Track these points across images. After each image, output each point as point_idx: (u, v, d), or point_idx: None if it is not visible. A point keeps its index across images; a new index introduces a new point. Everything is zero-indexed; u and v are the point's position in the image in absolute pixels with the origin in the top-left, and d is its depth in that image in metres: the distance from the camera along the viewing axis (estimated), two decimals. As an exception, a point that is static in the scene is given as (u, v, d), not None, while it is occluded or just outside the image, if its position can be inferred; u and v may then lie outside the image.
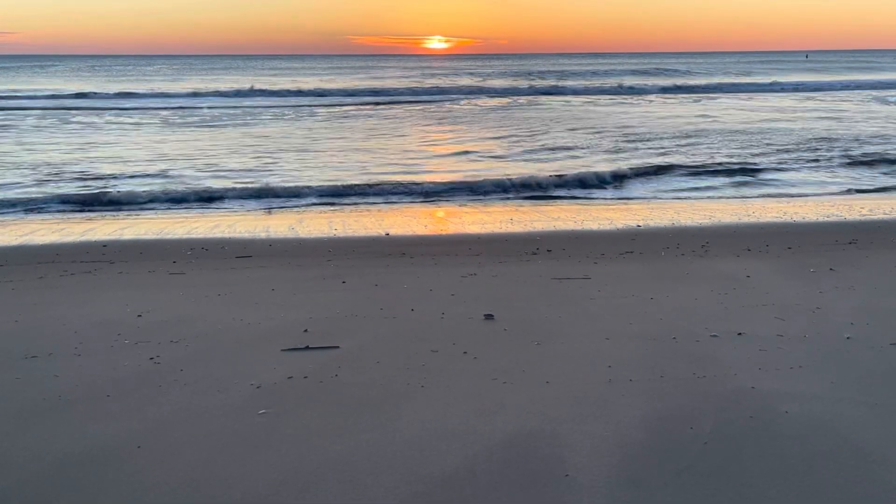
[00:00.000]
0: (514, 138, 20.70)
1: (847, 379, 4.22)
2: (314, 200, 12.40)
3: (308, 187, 13.12)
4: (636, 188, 13.43)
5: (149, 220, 10.82)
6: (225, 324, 5.38)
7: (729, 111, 29.12)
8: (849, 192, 12.98)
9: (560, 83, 49.60)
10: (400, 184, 13.35)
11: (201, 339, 5.05)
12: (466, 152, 18.01)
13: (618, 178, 13.87)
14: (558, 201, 12.36)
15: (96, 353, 4.78)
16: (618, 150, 17.69)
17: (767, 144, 18.38)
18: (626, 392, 4.07)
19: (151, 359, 4.66)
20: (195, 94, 41.91)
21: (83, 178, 14.53)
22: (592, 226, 9.70)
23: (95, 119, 28.20)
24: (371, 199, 12.46)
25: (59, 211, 11.80)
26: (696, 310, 5.59)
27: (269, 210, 11.77)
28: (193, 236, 9.23)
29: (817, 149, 17.62)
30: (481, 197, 12.67)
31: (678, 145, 18.52)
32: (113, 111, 31.88)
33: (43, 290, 6.51)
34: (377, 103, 36.28)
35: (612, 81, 50.52)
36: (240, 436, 3.62)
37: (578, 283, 6.42)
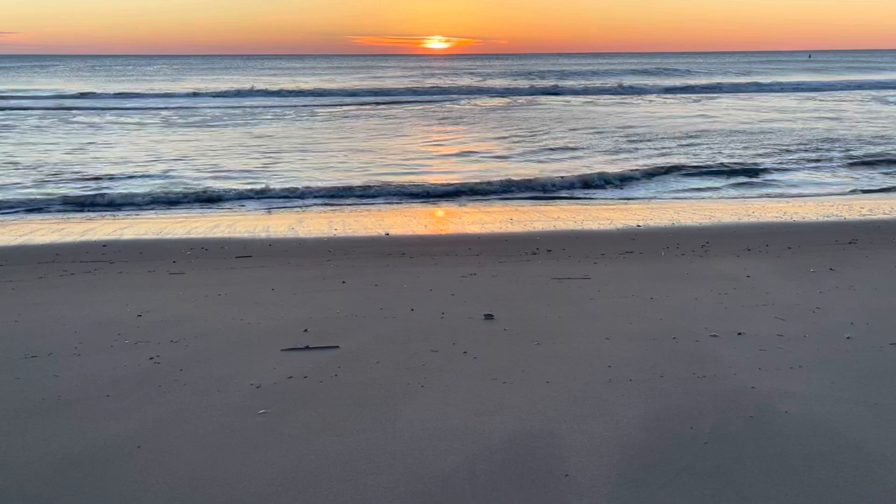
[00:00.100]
0: (516, 138, 20.71)
1: (847, 379, 4.22)
2: (316, 202, 12.37)
3: (309, 188, 13.08)
4: (643, 189, 13.40)
5: (148, 220, 10.83)
6: (225, 324, 5.38)
7: (729, 111, 29.13)
8: (853, 192, 12.97)
9: (560, 83, 49.62)
10: (402, 185, 13.31)
11: (201, 339, 5.05)
12: (468, 153, 18.00)
13: (626, 180, 13.83)
14: (558, 201, 12.37)
15: (96, 353, 4.78)
16: (620, 151, 17.69)
17: (769, 145, 18.37)
18: (625, 392, 4.07)
19: (151, 359, 4.66)
20: (195, 94, 41.94)
21: (83, 178, 14.53)
22: (592, 226, 9.70)
23: (96, 119, 28.21)
24: (373, 201, 12.40)
25: (59, 211, 11.81)
26: (696, 310, 5.59)
27: (269, 210, 11.78)
28: (193, 236, 9.23)
29: (819, 149, 17.61)
30: (487, 198, 12.60)
31: (680, 145, 18.52)
32: (114, 111, 31.90)
33: (43, 290, 6.51)
34: (377, 103, 36.30)
35: (612, 81, 50.54)
36: (240, 436, 3.62)
37: (578, 283, 6.42)
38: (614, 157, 16.81)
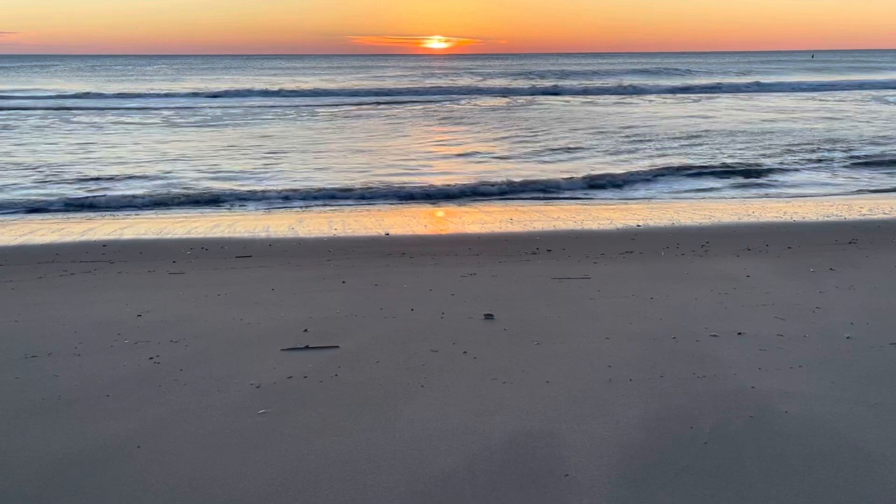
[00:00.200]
0: (517, 139, 20.70)
1: (847, 379, 4.22)
2: (317, 203, 12.34)
3: (310, 189, 13.03)
4: (653, 189, 13.36)
5: (148, 220, 10.83)
6: (225, 324, 5.38)
7: (730, 111, 29.13)
8: (859, 192, 12.96)
9: (560, 83, 49.60)
10: (403, 186, 13.26)
11: (201, 338, 5.05)
12: (470, 153, 17.96)
13: (630, 181, 13.79)
14: (558, 201, 12.36)
15: (96, 353, 4.78)
16: (622, 152, 17.65)
17: (771, 145, 18.34)
18: (625, 392, 4.07)
19: (151, 359, 4.66)
20: (196, 94, 41.93)
21: (84, 178, 14.52)
22: (592, 226, 9.70)
23: (97, 119, 28.22)
24: (374, 203, 12.33)
25: (59, 211, 11.80)
26: (696, 310, 5.59)
27: (269, 210, 11.77)
28: (193, 236, 9.23)
29: (821, 149, 17.59)
30: (491, 199, 12.55)
31: (682, 146, 18.48)
32: (114, 111, 31.90)
33: (43, 290, 6.51)
34: (378, 103, 36.31)
35: (612, 81, 50.53)
36: (240, 436, 3.62)
37: (578, 283, 6.42)
38: (617, 157, 16.79)
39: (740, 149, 17.76)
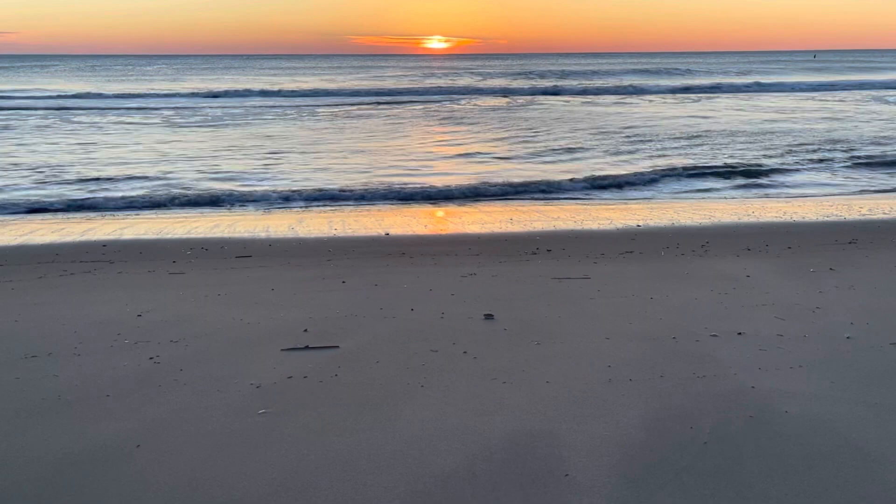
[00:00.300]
0: (517, 139, 20.69)
1: (847, 379, 4.22)
2: (317, 204, 12.30)
3: (311, 190, 12.99)
4: (651, 190, 13.34)
5: (148, 220, 10.83)
6: (225, 324, 5.38)
7: (731, 111, 29.12)
8: (861, 192, 12.95)
9: (560, 83, 49.60)
10: (404, 187, 13.22)
11: (201, 338, 5.05)
12: (471, 154, 17.91)
13: (633, 182, 13.75)
14: (558, 201, 12.36)
15: (96, 353, 4.78)
16: (623, 152, 17.61)
17: (772, 146, 18.32)
18: (625, 392, 4.07)
19: (151, 359, 4.66)
20: (196, 94, 41.94)
21: (84, 179, 14.51)
22: (592, 226, 9.70)
23: (97, 119, 28.23)
24: (376, 205, 12.28)
25: (59, 211, 11.80)
26: (696, 310, 5.59)
27: (269, 210, 11.77)
28: (193, 236, 9.23)
29: (822, 150, 17.56)
30: (495, 200, 12.51)
31: (683, 146, 18.45)
32: (115, 111, 31.91)
33: (43, 290, 6.51)
34: (378, 103, 36.32)
35: (612, 81, 50.52)
36: (240, 436, 3.62)
37: (578, 283, 6.42)
38: (618, 158, 16.76)
39: (741, 149, 17.75)
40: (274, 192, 12.94)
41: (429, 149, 19.22)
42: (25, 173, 15.17)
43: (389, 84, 51.75)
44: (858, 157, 16.29)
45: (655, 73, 62.53)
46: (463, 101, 37.23)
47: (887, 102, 33.13)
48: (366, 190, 13.00)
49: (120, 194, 12.82)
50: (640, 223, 9.70)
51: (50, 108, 33.46)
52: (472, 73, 70.07)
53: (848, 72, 63.59)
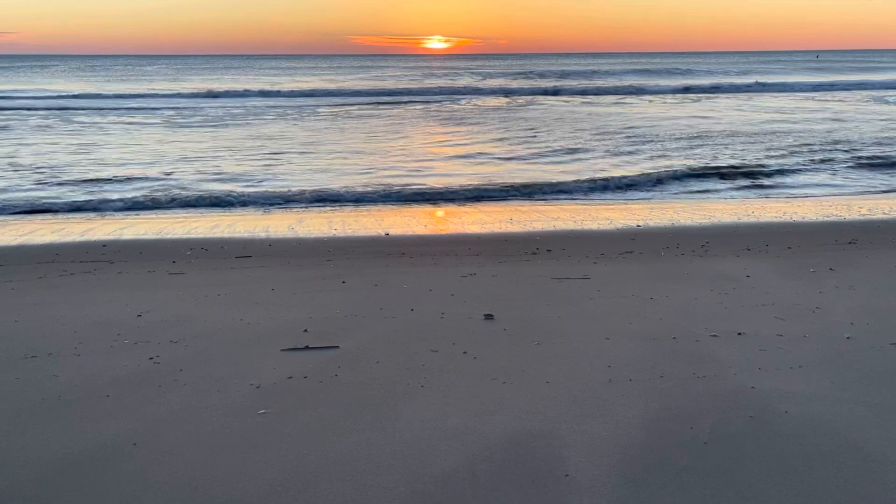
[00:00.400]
0: (519, 140, 20.68)
1: (847, 379, 4.22)
2: (318, 205, 12.26)
3: (314, 191, 12.95)
4: (660, 191, 13.30)
5: (148, 220, 10.83)
6: (225, 324, 5.38)
7: (732, 112, 29.11)
8: (865, 194, 12.93)
9: (560, 83, 49.59)
10: (404, 188, 13.18)
11: (201, 339, 5.05)
12: (473, 154, 17.85)
13: (639, 183, 13.69)
14: (558, 201, 12.35)
15: (96, 353, 4.78)
16: (625, 153, 17.55)
17: (774, 147, 18.28)
18: (625, 392, 4.07)
19: (151, 359, 4.66)
20: (196, 95, 41.95)
21: (84, 180, 14.50)
22: (592, 226, 9.70)
23: (98, 119, 28.24)
24: (377, 206, 12.24)
25: (59, 211, 11.80)
26: (696, 310, 5.59)
27: (269, 210, 11.77)
28: (193, 236, 9.23)
29: (824, 151, 17.54)
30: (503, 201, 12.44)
31: (685, 147, 18.41)
32: (115, 111, 31.91)
33: (43, 290, 6.51)
34: (378, 103, 36.32)
35: (612, 81, 50.52)
36: (240, 436, 3.62)
37: (578, 283, 6.42)
38: (620, 158, 16.71)
39: (743, 150, 17.73)
40: (274, 192, 12.93)
41: (430, 149, 19.21)
42: (25, 174, 15.17)
43: (389, 84, 51.75)
44: (860, 158, 16.25)
45: (656, 73, 62.52)
46: (463, 101, 37.23)
47: (887, 102, 33.12)
48: (367, 191, 12.98)
49: (120, 195, 12.82)
50: (640, 223, 9.70)
51: (50, 108, 33.46)
52: (472, 73, 70.05)
53: (850, 72, 63.56)
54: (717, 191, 13.38)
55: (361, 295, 6.12)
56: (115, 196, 12.70)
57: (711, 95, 39.66)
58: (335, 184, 13.66)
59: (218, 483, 3.20)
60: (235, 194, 12.75)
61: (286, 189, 13.16)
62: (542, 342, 4.89)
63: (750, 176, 14.44)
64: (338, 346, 4.84)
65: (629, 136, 20.74)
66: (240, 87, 46.79)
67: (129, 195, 12.79)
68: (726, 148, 18.09)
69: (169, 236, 9.32)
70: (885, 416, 3.75)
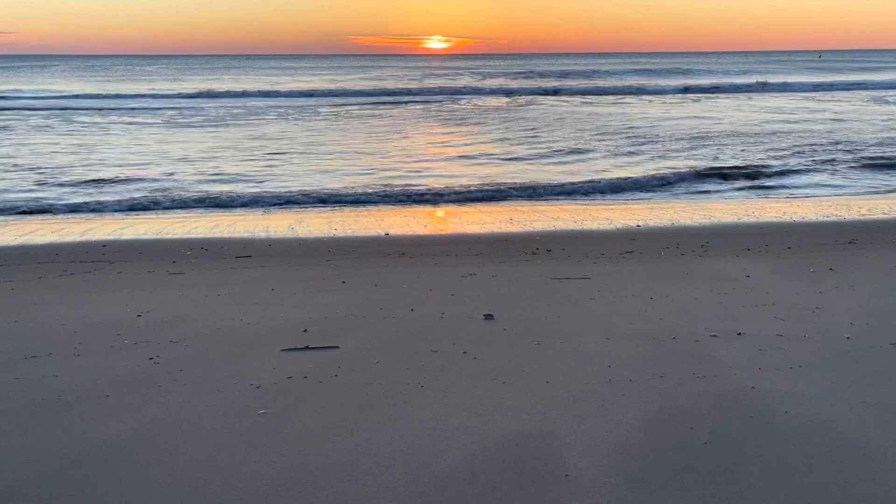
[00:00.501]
0: (521, 140, 20.68)
1: (847, 379, 4.22)
2: (318, 205, 12.24)
3: (315, 192, 12.92)
4: (680, 192, 13.27)
5: (148, 220, 10.83)
6: (225, 324, 5.38)
7: (734, 112, 29.10)
8: (868, 194, 12.91)
9: (560, 83, 49.60)
10: (407, 188, 13.15)
11: (201, 339, 5.05)
12: (475, 155, 17.82)
13: (646, 185, 13.66)
14: (559, 201, 12.34)
15: (96, 353, 4.78)
16: (628, 154, 17.50)
17: (776, 147, 18.25)
18: (625, 392, 4.07)
19: (151, 359, 4.66)
20: (197, 95, 41.95)
21: (84, 181, 14.50)
22: (592, 226, 9.70)
23: (98, 119, 28.24)
24: (380, 206, 12.19)
25: (59, 212, 11.79)
26: (696, 310, 5.59)
27: (269, 210, 11.77)
28: (193, 236, 9.23)
29: (827, 151, 17.51)
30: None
31: (687, 147, 18.38)
32: (115, 111, 31.91)
33: (43, 290, 6.51)
34: (379, 103, 36.32)
35: (613, 81, 50.53)
36: (240, 436, 3.62)
37: (578, 283, 6.42)
38: (623, 159, 16.68)
39: (745, 150, 17.71)
40: (274, 192, 12.93)
41: (430, 150, 19.22)
42: (26, 174, 15.18)
43: (389, 84, 51.77)
44: (864, 159, 16.22)
45: (656, 73, 62.54)
46: (463, 101, 37.25)
47: (887, 103, 33.12)
48: (367, 191, 12.97)
49: (120, 195, 12.82)
50: (640, 223, 9.70)
51: (50, 108, 33.47)
52: (472, 73, 70.05)
53: (852, 72, 63.53)
54: (720, 192, 13.35)
55: (361, 295, 6.12)
56: (115, 196, 12.71)
57: (712, 95, 39.66)
58: (335, 184, 13.67)
59: (218, 483, 3.20)
60: (235, 194, 12.76)
61: (286, 189, 13.16)
62: (542, 342, 4.89)
63: (753, 177, 14.41)
64: (338, 346, 4.84)
65: (630, 137, 20.74)
66: (240, 87, 46.82)
67: (130, 195, 12.79)
68: (730, 148, 18.07)
69: (169, 236, 9.32)
70: (885, 416, 3.75)
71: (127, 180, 14.37)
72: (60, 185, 13.97)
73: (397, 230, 9.63)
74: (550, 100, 37.69)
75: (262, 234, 9.34)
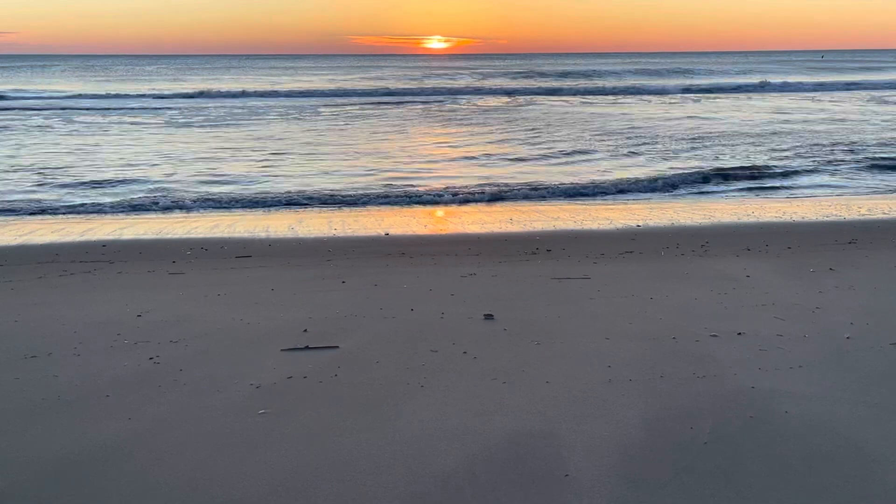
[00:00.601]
0: (522, 141, 20.66)
1: (847, 379, 4.22)
2: (319, 205, 12.19)
3: (315, 192, 12.88)
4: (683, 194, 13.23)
5: (148, 220, 10.83)
6: (225, 324, 5.38)
7: (733, 112, 29.09)
8: (872, 195, 12.88)
9: (560, 83, 49.59)
10: (409, 189, 13.12)
11: (201, 339, 5.05)
12: (476, 155, 17.74)
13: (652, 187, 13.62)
14: (558, 201, 12.33)
15: (96, 353, 4.78)
16: (631, 155, 17.42)
17: (778, 148, 18.21)
18: (625, 392, 4.07)
19: (151, 359, 4.66)
20: (197, 95, 41.95)
21: (84, 182, 14.49)
22: (592, 226, 9.70)
23: (99, 119, 28.24)
24: (381, 206, 12.13)
25: (59, 212, 11.79)
26: (696, 310, 5.58)
27: (269, 210, 11.77)
28: (193, 236, 9.23)
29: (829, 151, 17.46)
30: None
31: (689, 148, 18.35)
32: (116, 111, 31.91)
33: (43, 290, 6.51)
34: (379, 103, 36.31)
35: (613, 81, 50.53)
36: (240, 436, 3.62)
37: (578, 283, 6.42)
38: (626, 160, 16.62)
39: (746, 151, 17.70)
40: (274, 192, 12.93)
41: (430, 150, 19.21)
42: (26, 174, 15.18)
43: (389, 84, 51.76)
44: (867, 159, 16.18)
45: (656, 73, 62.55)
46: (463, 101, 37.25)
47: (887, 103, 33.11)
48: (367, 191, 12.95)
49: (120, 196, 12.82)
50: (640, 223, 9.70)
51: (50, 108, 33.48)
52: (472, 73, 70.05)
53: (853, 72, 63.49)
54: (720, 192, 13.32)
55: (361, 295, 6.12)
56: (115, 197, 12.70)
57: (712, 95, 39.65)
58: (336, 184, 13.66)
59: (218, 483, 3.20)
60: (235, 194, 12.76)
61: (286, 189, 13.16)
62: (542, 342, 4.89)
63: (754, 177, 14.37)
64: (338, 346, 4.84)
65: (630, 137, 20.74)
66: (240, 87, 46.81)
67: (130, 196, 12.79)
68: (728, 149, 18.06)
69: (169, 236, 9.32)
70: (885, 416, 3.75)
71: (127, 180, 14.37)
72: (61, 185, 13.97)
73: (397, 230, 9.63)
74: (550, 100, 37.68)
75: (262, 234, 9.34)
